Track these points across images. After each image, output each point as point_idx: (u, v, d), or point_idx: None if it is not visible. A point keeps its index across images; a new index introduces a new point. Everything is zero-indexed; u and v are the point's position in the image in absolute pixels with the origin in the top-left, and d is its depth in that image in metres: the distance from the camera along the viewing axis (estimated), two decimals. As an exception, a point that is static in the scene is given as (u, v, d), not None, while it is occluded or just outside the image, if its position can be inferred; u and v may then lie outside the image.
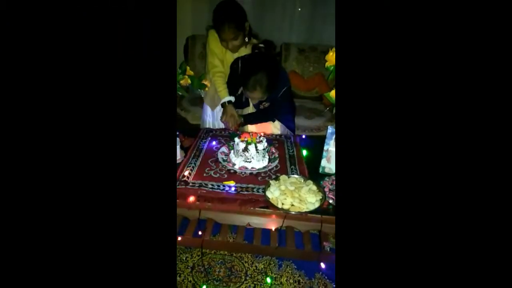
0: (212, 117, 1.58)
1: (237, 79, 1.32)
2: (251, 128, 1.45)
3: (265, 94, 1.23)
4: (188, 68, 1.21)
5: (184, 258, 1.25)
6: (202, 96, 1.56)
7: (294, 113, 1.51)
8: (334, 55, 1.02)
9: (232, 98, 1.37)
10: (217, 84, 1.37)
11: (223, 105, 1.38)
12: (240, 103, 1.42)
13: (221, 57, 1.37)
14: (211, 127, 1.56)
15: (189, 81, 1.20)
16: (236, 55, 1.36)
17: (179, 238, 1.11)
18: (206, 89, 1.33)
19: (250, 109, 1.45)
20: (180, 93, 1.23)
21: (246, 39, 1.31)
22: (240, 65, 1.30)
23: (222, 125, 1.52)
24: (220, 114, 1.47)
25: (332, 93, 1.07)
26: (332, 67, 1.04)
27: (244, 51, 1.34)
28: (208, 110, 1.57)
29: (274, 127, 1.46)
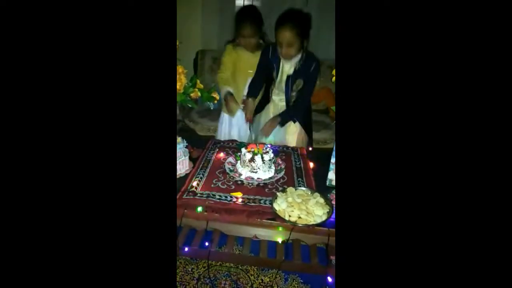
0: (228, 124, 1.66)
1: (266, 66, 1.40)
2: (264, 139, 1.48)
3: (297, 43, 1.25)
4: (198, 81, 1.25)
5: (189, 269, 1.24)
6: (211, 108, 1.61)
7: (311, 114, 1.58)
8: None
9: (232, 90, 1.53)
10: (220, 84, 1.55)
11: (225, 98, 1.54)
12: (264, 101, 1.50)
13: (232, 70, 1.55)
14: (226, 136, 1.63)
15: (199, 94, 1.23)
16: (251, 59, 1.49)
17: (186, 249, 1.11)
18: (215, 101, 1.36)
19: (272, 107, 1.49)
20: (190, 105, 1.26)
21: (261, 41, 1.49)
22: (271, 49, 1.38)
23: (237, 134, 1.64)
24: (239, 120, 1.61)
25: (339, 107, 1.08)
26: (339, 81, 1.06)
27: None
28: (224, 118, 1.67)
29: (292, 139, 1.48)
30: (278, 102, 1.47)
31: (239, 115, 1.62)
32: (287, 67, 1.38)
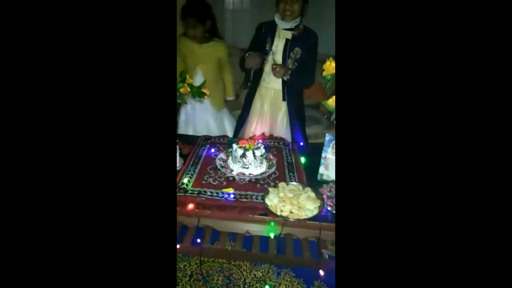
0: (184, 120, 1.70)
1: (259, 42, 1.40)
2: (259, 131, 1.49)
3: (300, 0, 1.29)
4: (187, 76, 1.23)
5: (182, 267, 1.24)
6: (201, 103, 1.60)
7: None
8: (331, 64, 1.04)
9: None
10: None
11: None
12: (254, 85, 1.50)
13: (182, 57, 1.59)
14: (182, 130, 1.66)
15: (189, 89, 1.21)
16: (198, 50, 1.55)
17: (178, 246, 1.10)
18: (205, 97, 1.35)
19: (263, 92, 1.49)
20: (180, 101, 1.24)
21: (207, 35, 1.54)
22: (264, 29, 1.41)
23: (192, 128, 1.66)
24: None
25: (329, 101, 1.09)
26: (329, 76, 1.06)
27: (213, 50, 1.56)
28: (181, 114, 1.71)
29: (280, 131, 1.49)
30: (269, 83, 1.45)
31: (191, 109, 1.67)
32: (285, 32, 1.37)
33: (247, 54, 1.36)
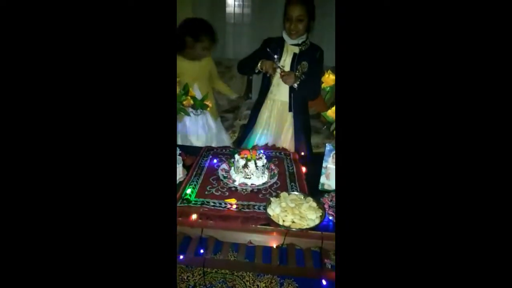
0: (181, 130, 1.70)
1: (263, 55, 1.42)
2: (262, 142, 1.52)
3: (305, 20, 1.34)
4: (190, 89, 1.26)
5: (185, 277, 1.24)
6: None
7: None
8: (330, 76, 1.07)
9: None
10: None
11: None
12: (262, 96, 1.54)
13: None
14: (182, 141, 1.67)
15: (192, 101, 1.24)
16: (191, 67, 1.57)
17: (181, 257, 1.11)
18: (208, 109, 1.38)
19: (271, 104, 1.53)
20: (183, 113, 1.27)
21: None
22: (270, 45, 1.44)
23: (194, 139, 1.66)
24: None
25: (329, 112, 1.11)
26: (328, 88, 1.09)
27: (205, 64, 1.63)
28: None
29: (284, 141, 1.53)
30: (277, 94, 1.49)
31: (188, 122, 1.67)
32: (292, 47, 1.43)
33: (260, 61, 1.41)
